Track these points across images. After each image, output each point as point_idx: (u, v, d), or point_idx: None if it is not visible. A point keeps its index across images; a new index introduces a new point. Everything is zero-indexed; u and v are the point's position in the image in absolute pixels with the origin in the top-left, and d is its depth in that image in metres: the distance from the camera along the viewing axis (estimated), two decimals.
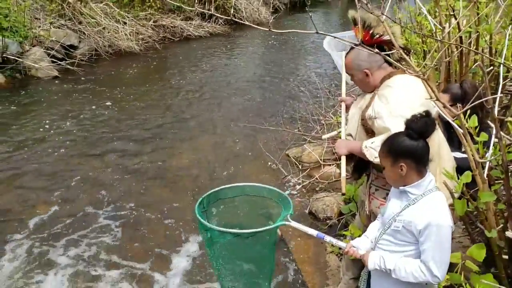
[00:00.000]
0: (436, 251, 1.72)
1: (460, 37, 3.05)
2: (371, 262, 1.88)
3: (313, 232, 2.13)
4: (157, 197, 4.42)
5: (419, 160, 1.79)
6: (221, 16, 1.70)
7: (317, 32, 1.65)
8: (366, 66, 2.31)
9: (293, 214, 2.24)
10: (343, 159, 2.39)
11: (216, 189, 2.55)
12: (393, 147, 1.81)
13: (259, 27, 1.65)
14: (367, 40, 2.29)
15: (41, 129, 5.77)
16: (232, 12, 13.03)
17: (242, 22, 1.64)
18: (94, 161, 5.07)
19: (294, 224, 2.16)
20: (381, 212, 2.14)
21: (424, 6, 4.32)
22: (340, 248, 2.14)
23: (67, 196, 4.34)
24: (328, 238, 2.10)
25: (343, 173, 2.37)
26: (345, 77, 2.78)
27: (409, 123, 1.77)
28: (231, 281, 2.48)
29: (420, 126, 1.75)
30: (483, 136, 2.19)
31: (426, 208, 1.78)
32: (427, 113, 1.76)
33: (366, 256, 1.92)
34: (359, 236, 2.17)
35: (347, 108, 2.70)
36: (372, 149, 2.15)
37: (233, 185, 2.59)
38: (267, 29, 1.66)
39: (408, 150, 1.77)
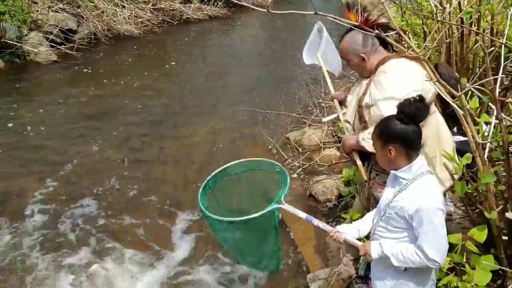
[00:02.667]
0: (429, 235, 1.72)
1: (461, 18, 3.02)
2: (374, 251, 1.86)
3: (302, 214, 2.13)
4: (157, 180, 4.45)
5: (409, 145, 1.78)
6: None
7: (315, 13, 1.64)
8: (362, 50, 2.30)
9: (287, 195, 2.22)
10: (355, 154, 2.40)
11: (221, 168, 2.56)
12: (383, 131, 1.81)
13: (257, 8, 1.64)
14: (362, 23, 2.27)
15: (41, 112, 5.77)
16: None
17: (241, 3, 1.62)
18: (93, 144, 5.08)
19: (286, 207, 2.15)
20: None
21: None
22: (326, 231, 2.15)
23: (65, 179, 4.38)
24: (315, 222, 2.10)
25: (359, 162, 2.37)
26: (327, 73, 2.87)
27: (401, 107, 1.75)
28: (240, 260, 2.53)
29: (412, 110, 1.73)
30: (484, 117, 2.18)
31: (416, 192, 1.78)
32: (421, 98, 1.74)
33: (367, 246, 1.90)
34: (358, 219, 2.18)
35: (341, 103, 2.71)
36: (370, 140, 2.14)
37: (236, 162, 2.61)
38: (266, 10, 1.65)
39: (398, 134, 1.76)
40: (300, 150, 4.87)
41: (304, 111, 5.77)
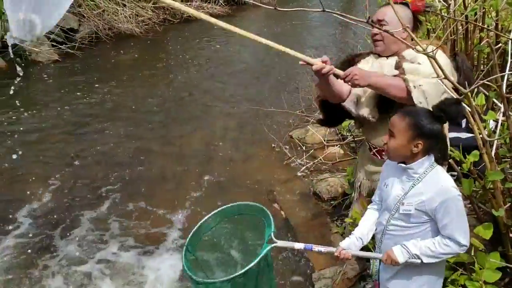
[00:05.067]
0: (458, 222, 1.73)
1: (466, 15, 3.01)
2: (400, 256, 1.80)
3: (300, 245, 2.04)
4: (161, 177, 4.45)
5: (436, 144, 1.77)
6: None
7: (323, 10, 1.63)
8: (407, 23, 2.21)
9: (275, 231, 2.08)
10: None
11: (196, 226, 2.29)
12: (420, 124, 1.73)
13: (264, 6, 1.63)
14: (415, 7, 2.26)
15: (42, 111, 5.76)
16: None
17: (253, 2, 1.61)
18: (96, 142, 5.07)
19: (279, 243, 2.03)
20: (374, 198, 2.12)
21: None
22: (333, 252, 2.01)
23: (69, 177, 4.36)
24: (316, 248, 1.99)
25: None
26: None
27: (444, 106, 1.71)
28: None
29: (454, 112, 1.69)
30: (491, 115, 2.17)
31: (434, 183, 1.76)
32: (458, 101, 1.73)
33: (390, 253, 1.83)
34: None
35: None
36: (421, 91, 2.01)
37: (210, 214, 2.33)
38: (273, 8, 1.64)
39: (433, 132, 1.73)
40: (304, 148, 4.87)
41: (307, 109, 5.76)
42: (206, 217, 2.31)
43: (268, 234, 2.04)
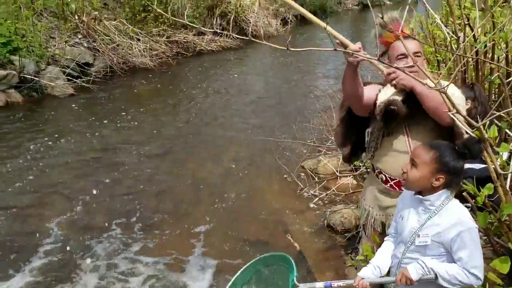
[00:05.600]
0: (474, 255, 1.72)
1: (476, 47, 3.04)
2: (413, 272, 1.77)
3: (320, 285, 2.05)
4: (172, 207, 4.47)
5: (457, 180, 1.79)
6: (238, 37, 1.72)
7: (335, 50, 1.66)
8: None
9: (298, 276, 2.15)
10: None
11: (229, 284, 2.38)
12: (444, 160, 1.75)
13: (277, 46, 1.67)
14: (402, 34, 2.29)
15: (57, 144, 5.84)
16: (245, 27, 13.13)
17: (259, 42, 1.66)
18: (110, 175, 5.10)
19: (302, 286, 2.08)
20: (390, 230, 2.10)
21: (435, 14, 4.32)
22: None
23: (83, 209, 4.39)
24: (335, 284, 2.01)
25: None
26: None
27: (469, 144, 1.74)
28: None
29: (477, 150, 1.73)
30: (504, 147, 2.17)
31: (451, 215, 1.76)
32: (479, 140, 1.76)
33: (404, 271, 1.80)
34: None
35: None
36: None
37: (238, 273, 2.41)
38: (285, 48, 1.67)
39: (457, 170, 1.76)
40: (316, 179, 4.86)
41: (319, 139, 5.79)
42: (234, 277, 2.38)
43: (291, 279, 2.07)
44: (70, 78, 8.18)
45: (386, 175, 2.43)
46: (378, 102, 2.34)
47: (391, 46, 2.39)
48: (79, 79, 8.26)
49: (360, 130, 2.58)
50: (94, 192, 4.74)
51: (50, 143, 5.92)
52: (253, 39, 1.71)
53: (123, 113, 7.08)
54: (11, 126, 6.42)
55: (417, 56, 2.30)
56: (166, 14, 2.74)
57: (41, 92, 7.74)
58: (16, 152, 5.60)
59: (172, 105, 7.64)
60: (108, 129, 6.47)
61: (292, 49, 1.66)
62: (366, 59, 2.09)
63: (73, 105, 7.46)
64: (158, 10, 2.55)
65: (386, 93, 2.37)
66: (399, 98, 2.26)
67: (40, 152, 5.66)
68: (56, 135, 6.15)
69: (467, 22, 2.94)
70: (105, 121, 6.74)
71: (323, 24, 1.86)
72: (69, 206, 4.44)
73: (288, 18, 16.30)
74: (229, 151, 5.87)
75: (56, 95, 7.77)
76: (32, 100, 7.53)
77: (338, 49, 1.61)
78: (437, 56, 4.18)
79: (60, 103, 7.53)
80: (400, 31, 2.12)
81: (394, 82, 2.15)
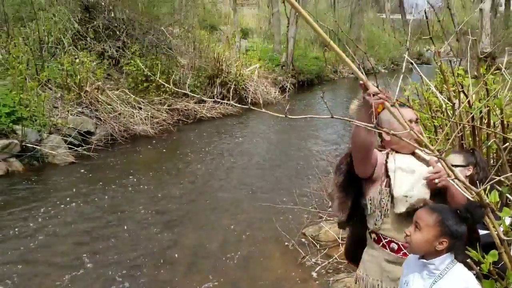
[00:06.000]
0: None
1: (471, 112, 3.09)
2: None
3: None
4: (170, 275, 4.34)
5: (460, 244, 1.77)
6: (238, 105, 1.75)
7: (332, 117, 1.69)
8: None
9: None
10: None
11: None
12: (447, 223, 1.75)
13: (275, 114, 1.70)
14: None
15: (55, 214, 5.78)
16: (245, 95, 13.47)
17: (258, 110, 1.69)
18: (108, 242, 5.01)
19: None
20: None
21: (429, 81, 4.44)
22: None
23: (83, 277, 4.26)
24: None
25: None
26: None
27: (472, 209, 1.75)
28: None
29: (479, 215, 1.74)
30: (506, 212, 2.15)
31: (457, 280, 1.73)
32: (481, 205, 1.76)
33: None
34: None
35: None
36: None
37: None
38: (284, 116, 1.71)
39: (460, 234, 1.74)
40: (318, 247, 4.77)
41: (319, 204, 5.74)
42: None
43: None
44: (71, 147, 8.25)
45: (399, 243, 2.34)
46: (390, 173, 2.35)
47: (382, 115, 2.45)
48: (80, 147, 8.33)
49: (357, 195, 2.55)
50: (92, 260, 4.64)
51: (49, 212, 5.86)
52: (252, 107, 1.75)
53: (123, 180, 7.07)
54: (11, 195, 6.38)
55: (416, 122, 2.35)
56: (168, 85, 2.81)
57: (42, 160, 7.78)
58: (16, 221, 5.53)
59: (172, 170, 7.66)
60: (108, 197, 6.43)
61: (290, 116, 1.69)
62: (386, 100, 2.08)
63: (74, 173, 7.47)
64: (161, 81, 2.62)
65: (397, 164, 2.38)
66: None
67: (39, 221, 5.59)
68: (56, 204, 6.10)
69: (461, 89, 3.00)
70: (105, 189, 6.71)
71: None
72: (68, 275, 4.33)
73: (286, 86, 16.75)
74: (229, 216, 5.81)
75: (57, 164, 7.80)
76: (33, 168, 7.55)
77: (335, 116, 1.64)
78: (434, 122, 4.24)
79: (60, 171, 7.55)
80: (395, 100, 2.17)
81: (437, 182, 2.15)
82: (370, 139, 2.25)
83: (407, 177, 2.33)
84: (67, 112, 8.83)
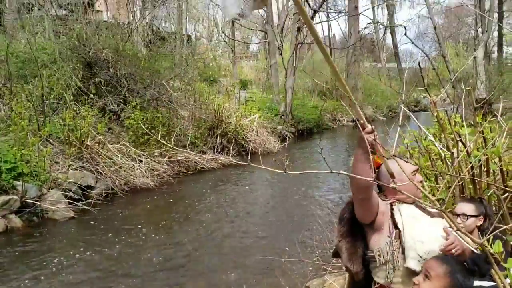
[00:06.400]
0: None
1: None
2: None
3: None
4: None
5: None
6: (237, 162, 1.77)
7: (331, 172, 1.70)
8: None
9: None
10: None
11: None
12: (455, 276, 1.76)
13: (275, 170, 1.71)
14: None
15: (55, 271, 5.68)
16: (245, 145, 13.56)
17: (259, 166, 1.70)
18: None
19: None
20: None
21: (428, 129, 4.48)
22: None
23: None
24: None
25: None
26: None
27: (478, 261, 1.75)
28: None
29: (486, 268, 1.73)
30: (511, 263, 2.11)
31: None
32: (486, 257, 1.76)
33: None
34: None
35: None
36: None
37: None
38: (283, 172, 1.71)
39: (467, 286, 1.74)
40: None
41: (323, 256, 5.64)
42: None
43: None
44: (72, 201, 8.21)
45: None
46: (398, 225, 2.34)
47: (381, 168, 2.48)
48: (80, 202, 8.28)
49: (365, 243, 2.52)
50: None
51: (49, 268, 5.76)
52: (251, 164, 1.76)
53: (122, 236, 6.99)
54: (10, 252, 6.29)
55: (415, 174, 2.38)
56: (169, 145, 2.84)
57: (42, 216, 7.72)
58: (14, 280, 5.42)
59: (174, 222, 7.59)
60: (107, 252, 6.33)
61: (290, 172, 1.70)
62: (379, 144, 2.16)
63: (73, 229, 7.40)
64: (162, 142, 2.65)
65: (404, 215, 2.37)
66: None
67: (39, 278, 5.48)
68: (55, 261, 6.01)
69: (458, 139, 3.03)
70: (105, 243, 6.63)
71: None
72: None
73: (286, 135, 16.88)
74: (233, 268, 5.71)
75: (57, 219, 7.73)
76: (32, 224, 7.47)
77: (333, 171, 1.65)
78: (434, 170, 4.24)
79: (60, 227, 7.47)
80: (392, 153, 2.20)
81: (454, 253, 2.15)
82: (367, 176, 2.24)
83: (415, 229, 2.32)
84: (68, 167, 8.85)
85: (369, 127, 2.18)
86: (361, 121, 2.16)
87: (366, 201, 2.34)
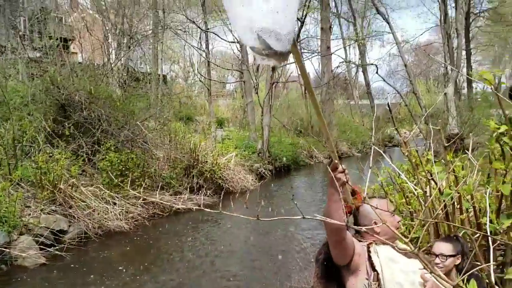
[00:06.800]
0: None
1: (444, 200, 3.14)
2: None
3: None
4: None
5: None
6: (211, 211, 1.74)
7: (303, 217, 1.69)
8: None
9: None
10: None
11: None
12: None
13: (247, 217, 1.69)
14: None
15: None
16: (222, 184, 13.47)
17: (230, 214, 1.67)
18: None
19: None
20: None
21: (401, 166, 4.53)
22: None
23: None
24: None
25: None
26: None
27: None
28: None
29: None
30: None
31: None
32: None
33: None
34: None
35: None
36: None
37: None
38: (255, 219, 1.69)
39: None
40: None
41: None
42: None
43: None
44: (43, 247, 7.94)
45: None
46: (376, 267, 2.33)
47: (361, 209, 2.48)
48: (52, 247, 8.02)
49: (341, 285, 2.50)
50: None
51: None
52: (223, 212, 1.73)
53: (97, 281, 6.76)
54: None
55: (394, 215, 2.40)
56: (139, 194, 2.79)
57: (11, 263, 7.42)
58: None
59: (145, 271, 7.37)
60: None
61: (262, 219, 1.68)
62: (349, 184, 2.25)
63: (44, 276, 7.12)
64: (133, 191, 2.60)
65: (382, 257, 2.36)
66: None
67: None
68: None
69: (430, 177, 3.07)
70: None
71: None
72: None
73: (263, 172, 16.88)
74: None
75: (27, 266, 7.44)
76: (1, 273, 7.17)
77: (306, 217, 1.64)
78: (409, 208, 4.27)
79: (30, 274, 7.19)
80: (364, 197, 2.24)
81: None
82: (341, 219, 2.25)
83: (393, 271, 2.31)
84: (40, 211, 8.60)
85: (340, 167, 2.21)
86: (335, 161, 2.19)
87: (340, 243, 2.33)
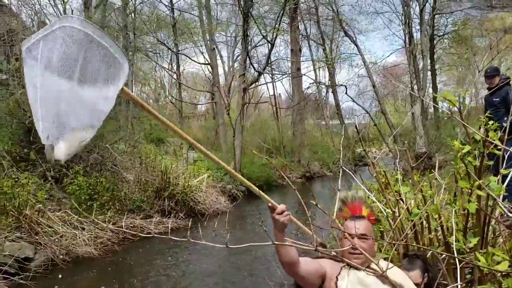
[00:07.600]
0: None
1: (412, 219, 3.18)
2: None
3: None
4: None
5: None
6: (177, 238, 1.71)
7: (273, 243, 1.68)
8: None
9: None
10: None
11: None
12: None
13: (216, 245, 1.67)
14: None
15: None
16: (194, 206, 13.33)
17: (199, 242, 1.65)
18: None
19: None
20: None
21: (371, 185, 4.58)
22: None
23: None
24: None
25: None
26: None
27: None
28: None
29: None
30: None
31: None
32: None
33: None
34: None
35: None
36: None
37: None
38: (224, 246, 1.67)
39: None
40: None
41: None
42: None
43: None
44: (7, 276, 7.63)
45: None
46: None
47: (344, 224, 2.51)
48: (17, 276, 7.72)
49: None
50: None
51: None
52: (191, 240, 1.71)
53: None
54: None
55: (367, 238, 2.40)
56: (104, 224, 2.73)
57: None
58: None
59: None
60: None
61: (231, 246, 1.66)
62: (294, 220, 2.37)
63: None
64: (98, 221, 2.55)
65: (351, 280, 2.34)
66: None
67: None
68: None
69: (399, 198, 3.11)
70: None
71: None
72: None
73: (236, 194, 16.81)
74: None
75: None
76: None
77: (276, 243, 1.63)
78: (380, 227, 4.31)
79: None
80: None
81: None
82: (290, 255, 2.27)
83: None
84: (3, 239, 8.30)
85: (279, 208, 2.34)
86: (268, 204, 2.37)
87: (296, 275, 2.35)
